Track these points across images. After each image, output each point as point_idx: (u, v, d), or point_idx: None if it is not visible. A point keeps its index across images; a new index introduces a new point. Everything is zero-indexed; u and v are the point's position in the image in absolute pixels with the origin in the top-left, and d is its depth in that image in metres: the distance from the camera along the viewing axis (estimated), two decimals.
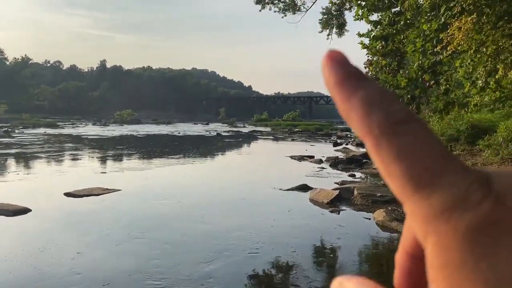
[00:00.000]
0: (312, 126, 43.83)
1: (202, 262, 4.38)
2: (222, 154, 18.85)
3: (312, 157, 14.71)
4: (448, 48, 8.09)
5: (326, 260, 4.75)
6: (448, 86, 10.65)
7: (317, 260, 4.69)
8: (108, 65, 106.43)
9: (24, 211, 6.20)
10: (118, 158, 14.80)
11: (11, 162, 13.19)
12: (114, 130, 33.78)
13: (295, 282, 3.98)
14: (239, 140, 26.73)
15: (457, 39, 7.51)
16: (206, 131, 36.43)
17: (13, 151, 16.01)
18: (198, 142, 25.29)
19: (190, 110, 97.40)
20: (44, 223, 5.88)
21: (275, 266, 4.39)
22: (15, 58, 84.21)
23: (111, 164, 13.23)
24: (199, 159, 15.28)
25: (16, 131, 27.82)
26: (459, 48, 7.81)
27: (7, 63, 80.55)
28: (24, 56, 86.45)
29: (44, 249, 4.68)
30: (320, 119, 71.55)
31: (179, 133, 32.37)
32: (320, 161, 13.63)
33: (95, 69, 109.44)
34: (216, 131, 35.44)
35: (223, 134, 31.96)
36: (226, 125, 52.27)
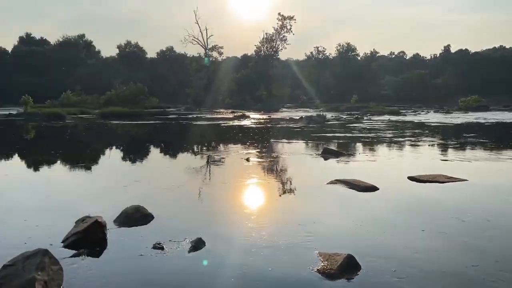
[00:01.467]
0: None
1: None
2: None
3: None
4: None
5: None
6: None
7: None
8: (452, 50, 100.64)
9: (372, 188, 6.66)
10: (462, 146, 13.66)
11: (359, 144, 14.78)
12: (458, 118, 31.66)
13: None
14: None
15: None
16: None
17: (361, 134, 17.95)
18: None
19: None
20: (389, 202, 6.10)
21: None
22: (365, 53, 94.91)
23: (454, 152, 12.35)
24: None
25: (364, 118, 31.13)
26: None
27: (358, 58, 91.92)
28: (372, 51, 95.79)
29: (388, 226, 4.84)
30: None
31: None
32: None
33: (438, 55, 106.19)
34: None
35: None
36: None
